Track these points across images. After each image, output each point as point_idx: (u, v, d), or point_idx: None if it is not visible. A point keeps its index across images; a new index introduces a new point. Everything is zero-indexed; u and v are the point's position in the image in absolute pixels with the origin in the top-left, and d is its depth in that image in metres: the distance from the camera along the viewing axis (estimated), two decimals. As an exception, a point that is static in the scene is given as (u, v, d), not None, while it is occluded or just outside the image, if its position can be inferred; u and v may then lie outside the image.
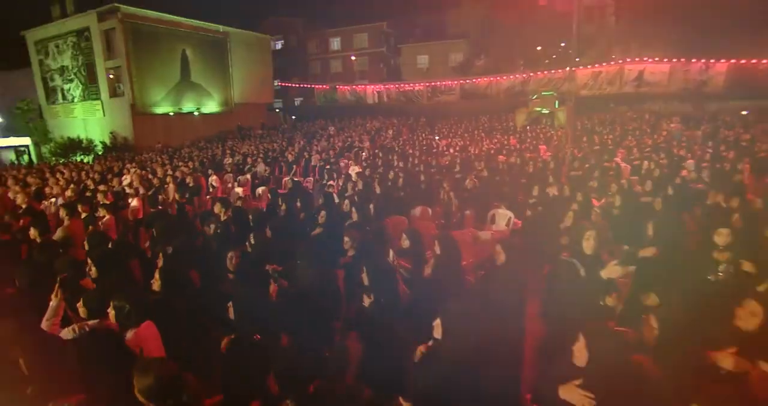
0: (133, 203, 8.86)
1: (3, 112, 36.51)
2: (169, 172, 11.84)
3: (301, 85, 39.91)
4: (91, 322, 2.78)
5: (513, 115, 24.27)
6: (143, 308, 2.76)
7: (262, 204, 11.97)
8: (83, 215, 6.53)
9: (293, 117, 36.55)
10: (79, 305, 2.87)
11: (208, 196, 10.44)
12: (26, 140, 30.41)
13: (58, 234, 5.56)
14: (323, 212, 5.80)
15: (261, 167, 14.75)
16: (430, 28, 42.87)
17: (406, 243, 4.35)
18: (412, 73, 38.16)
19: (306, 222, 6.39)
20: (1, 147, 30.38)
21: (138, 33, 26.37)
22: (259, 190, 12.07)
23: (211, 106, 30.97)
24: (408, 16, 46.55)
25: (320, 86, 36.34)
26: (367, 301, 2.83)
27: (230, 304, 2.80)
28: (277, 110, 40.43)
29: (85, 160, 24.86)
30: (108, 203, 7.86)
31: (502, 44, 29.99)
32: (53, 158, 27.18)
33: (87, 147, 27.16)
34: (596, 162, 11.29)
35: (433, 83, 30.33)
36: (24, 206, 7.63)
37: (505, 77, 27.38)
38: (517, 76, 26.99)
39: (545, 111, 22.51)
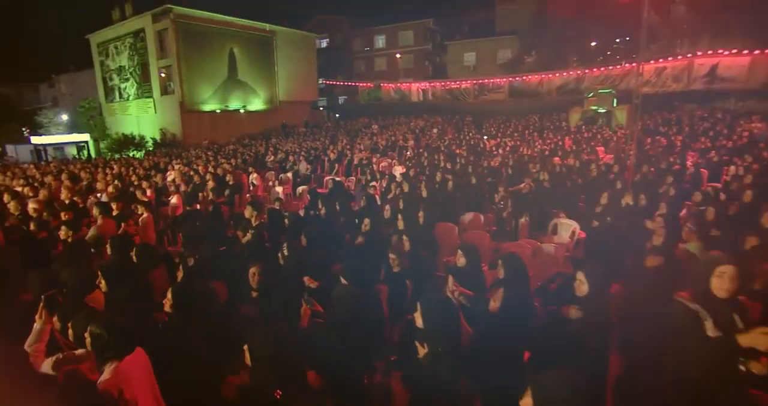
0: (173, 200, 8.70)
1: (69, 111, 38.80)
2: (211, 169, 11.69)
3: (345, 83, 39.77)
4: (79, 352, 2.33)
5: (565, 115, 22.88)
6: (126, 339, 2.24)
7: (303, 203, 11.66)
8: (116, 213, 6.32)
9: (337, 115, 36.44)
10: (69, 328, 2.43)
11: (248, 195, 10.20)
12: (86, 136, 31.97)
13: (90, 234, 5.31)
14: (367, 220, 5.23)
15: (303, 166, 14.47)
16: (478, 24, 41.63)
17: (461, 261, 3.70)
18: (458, 70, 37.08)
19: (346, 226, 5.87)
20: (65, 143, 32.10)
21: (188, 32, 27.00)
22: (300, 189, 11.73)
23: (256, 104, 31.35)
24: (455, 13, 45.62)
25: (364, 84, 36.02)
26: (421, 351, 2.22)
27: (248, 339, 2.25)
28: (321, 108, 40.53)
29: (137, 156, 25.74)
30: (146, 200, 7.67)
31: (554, 40, 28.40)
32: (109, 153, 28.39)
33: (139, 143, 28.14)
34: (666, 166, 10.12)
35: (480, 81, 29.23)
36: (67, 202, 7.55)
37: (557, 74, 25.91)
38: (570, 72, 25.45)
39: (602, 110, 21.00)
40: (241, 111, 30.34)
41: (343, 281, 3.20)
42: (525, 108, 26.72)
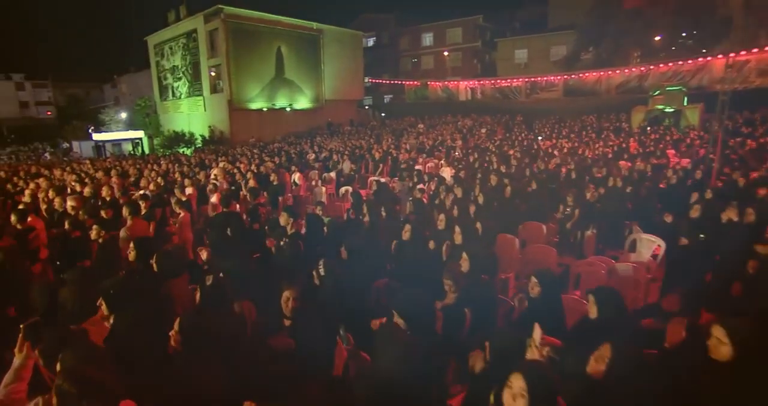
0: (213, 198, 8.42)
1: (128, 109, 40.71)
2: (252, 167, 11.42)
3: (392, 82, 39.21)
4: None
5: (625, 114, 21.20)
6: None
7: (346, 205, 11.18)
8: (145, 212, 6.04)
9: (383, 114, 35.96)
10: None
11: (289, 194, 9.82)
12: (140, 133, 33.27)
13: (121, 235, 4.99)
14: (408, 227, 4.58)
15: (347, 165, 14.01)
16: (530, 20, 39.90)
17: (535, 290, 2.98)
18: (509, 68, 35.63)
19: (391, 235, 5.24)
20: (122, 139, 33.57)
21: (237, 32, 27.37)
22: (343, 189, 11.24)
23: (302, 102, 31.43)
24: (505, 9, 44.02)
25: (411, 82, 35.33)
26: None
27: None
28: (367, 107, 40.24)
29: (186, 153, 26.37)
30: (184, 199, 7.39)
31: (616, 34, 26.47)
32: (161, 150, 29.34)
33: (189, 140, 28.88)
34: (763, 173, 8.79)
35: (532, 79, 27.79)
36: (108, 199, 7.40)
37: (618, 71, 24.10)
38: (633, 69, 23.59)
39: (669, 109, 19.22)
40: (288, 109, 30.49)
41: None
42: (581, 107, 25.11)
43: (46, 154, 36.27)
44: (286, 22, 30.12)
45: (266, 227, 4.96)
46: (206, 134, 28.45)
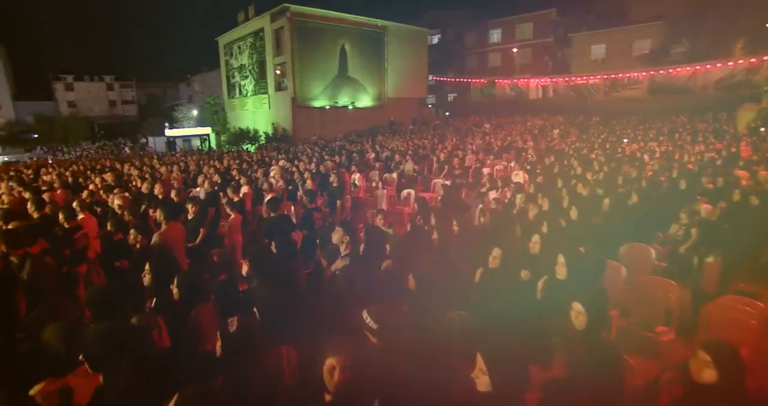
0: (268, 198, 7.88)
1: (199, 107, 42.62)
2: (312, 166, 10.84)
3: (457, 80, 37.85)
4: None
5: (727, 114, 18.58)
6: None
7: (407, 209, 10.32)
8: (191, 216, 5.50)
9: (446, 113, 34.75)
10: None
11: (348, 196, 9.11)
12: (207, 130, 34.49)
13: (153, 241, 4.44)
14: (498, 252, 3.60)
15: (409, 166, 13.13)
16: (609, 13, 36.81)
17: (706, 374, 1.90)
18: (584, 65, 33.02)
19: (466, 253, 4.28)
20: (191, 135, 35.00)
21: (303, 30, 27.40)
22: (405, 192, 10.37)
23: (365, 101, 31.01)
24: (581, 2, 41.00)
25: (477, 80, 33.82)
26: None
27: None
28: (430, 106, 39.18)
29: (250, 149, 26.79)
30: (236, 199, 6.86)
31: (714, 24, 23.46)
32: (227, 146, 30.14)
33: (253, 137, 29.39)
34: None
35: (612, 76, 25.40)
36: (160, 197, 7.03)
37: (719, 65, 21.28)
38: (740, 61, 20.70)
39: (787, 108, 16.53)
40: (350, 107, 30.19)
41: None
42: (669, 107, 22.50)
43: (126, 149, 38.78)
44: (351, 19, 29.81)
45: (317, 240, 4.18)
46: (270, 131, 28.81)
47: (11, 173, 14.14)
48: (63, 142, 43.70)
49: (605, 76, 26.13)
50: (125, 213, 5.25)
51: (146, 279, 2.95)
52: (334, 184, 8.52)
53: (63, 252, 4.82)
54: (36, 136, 46.16)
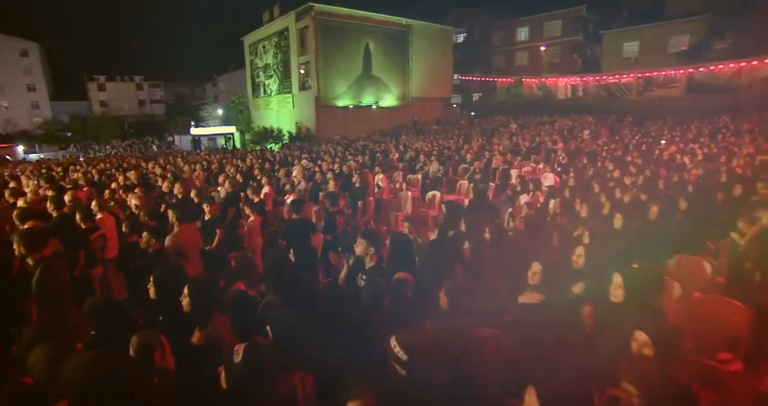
0: (289, 200, 7.65)
1: (224, 106, 43.14)
2: (335, 166, 10.59)
3: (483, 79, 37.13)
4: None
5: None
6: None
7: (432, 212, 9.96)
8: (208, 217, 5.30)
9: (472, 113, 34.12)
10: None
11: (371, 198, 8.82)
12: (232, 129, 34.81)
13: (166, 243, 4.23)
14: (537, 267, 3.24)
15: (434, 166, 12.75)
16: (642, 9, 35.46)
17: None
18: (616, 63, 31.84)
19: (502, 267, 3.90)
20: (216, 134, 35.40)
21: (327, 29, 27.30)
22: (430, 194, 10.00)
23: (388, 100, 30.72)
24: (614, -1, 39.67)
25: (503, 79, 33.07)
26: None
27: None
28: (455, 105, 38.61)
29: (274, 148, 26.85)
30: (256, 200, 6.65)
31: (764, 16, 22.02)
32: (251, 145, 30.34)
33: (276, 136, 29.48)
34: None
35: (647, 74, 24.35)
36: (180, 196, 6.88)
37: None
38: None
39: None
40: (374, 107, 29.95)
41: None
42: (709, 106, 21.36)
43: (154, 147, 39.57)
44: (375, 18, 29.58)
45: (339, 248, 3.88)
46: (293, 131, 28.82)
47: (42, 171, 14.42)
48: (95, 141, 44.94)
49: (639, 75, 25.09)
50: (141, 214, 5.07)
51: (151, 291, 2.71)
52: (357, 185, 8.24)
53: (78, 254, 4.68)
54: (70, 134, 47.62)
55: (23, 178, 9.96)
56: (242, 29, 37.81)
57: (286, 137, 28.95)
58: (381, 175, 9.83)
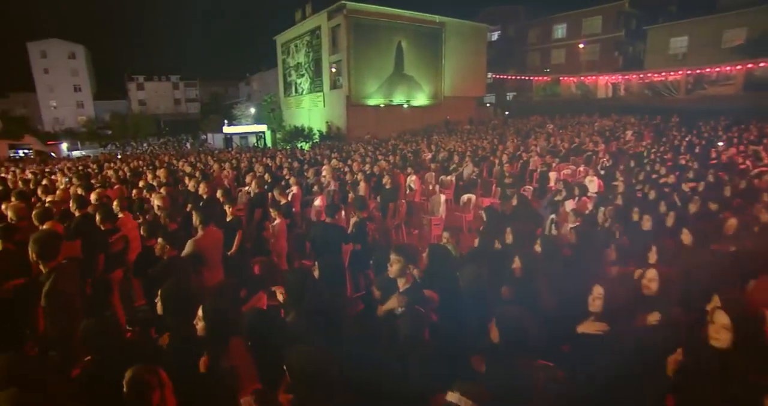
0: (317, 201, 7.30)
1: (256, 105, 43.66)
2: (366, 167, 10.21)
3: (518, 78, 36.06)
4: None
5: None
6: None
7: (467, 216, 9.44)
8: (230, 218, 4.99)
9: (506, 112, 33.15)
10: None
11: (403, 200, 8.39)
12: (263, 127, 35.06)
13: (186, 250, 3.93)
14: (599, 291, 2.74)
15: (468, 168, 12.20)
16: (691, 2, 33.53)
17: None
18: (661, 60, 30.19)
19: (557, 284, 3.40)
20: (248, 133, 35.76)
21: (359, 27, 27.03)
22: (465, 197, 9.49)
23: (420, 99, 30.19)
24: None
25: (540, 78, 31.96)
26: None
27: None
28: (488, 105, 37.68)
29: (304, 147, 26.78)
30: (283, 202, 6.33)
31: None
32: (282, 144, 30.43)
33: (307, 135, 29.45)
34: None
35: (698, 70, 22.88)
36: (205, 197, 6.65)
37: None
38: None
39: None
40: (405, 106, 29.50)
41: None
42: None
43: (188, 144, 40.42)
44: (408, 15, 29.08)
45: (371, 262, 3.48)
46: (324, 130, 28.71)
47: (79, 168, 14.70)
48: (133, 138, 46.42)
49: (689, 72, 23.59)
50: (162, 215, 4.82)
51: (158, 306, 2.38)
52: (388, 187, 7.82)
53: (98, 257, 4.47)
54: (110, 132, 49.38)
55: (58, 175, 10.06)
56: (275, 29, 38.12)
57: (316, 136, 28.87)
58: (413, 177, 9.38)
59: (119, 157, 25.69)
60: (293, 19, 33.44)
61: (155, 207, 5.35)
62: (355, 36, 26.89)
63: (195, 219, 4.15)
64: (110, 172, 11.18)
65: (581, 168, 13.86)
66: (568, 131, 21.42)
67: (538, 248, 3.99)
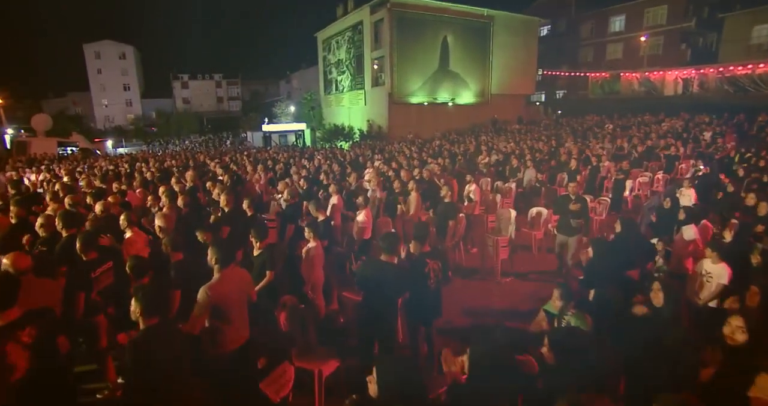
0: (360, 216, 6.03)
1: (297, 103, 43.22)
2: (416, 172, 8.87)
3: (571, 74, 33.61)
4: None
5: None
6: None
7: (537, 234, 7.93)
8: (257, 252, 3.80)
9: (559, 111, 30.86)
10: None
11: (462, 215, 7.00)
12: (302, 126, 34.34)
13: (199, 302, 2.75)
14: None
15: (530, 173, 10.65)
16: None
17: None
18: (738, 51, 26.93)
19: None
20: (288, 131, 35.16)
21: (403, 21, 25.72)
22: (534, 211, 7.95)
23: (465, 97, 28.51)
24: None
25: (597, 74, 29.49)
26: None
27: None
28: (537, 104, 35.44)
29: (344, 146, 25.79)
30: (320, 218, 5.11)
31: None
32: (321, 143, 29.58)
33: (347, 134, 28.45)
34: None
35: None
36: (227, 209, 5.54)
37: None
38: None
39: None
40: (450, 104, 27.90)
41: None
42: None
43: (228, 142, 40.44)
44: (455, 9, 27.44)
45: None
46: (364, 128, 27.58)
47: (110, 167, 14.18)
48: (177, 136, 47.17)
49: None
50: (164, 242, 3.68)
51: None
52: (446, 200, 6.46)
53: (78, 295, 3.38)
54: (155, 129, 50.45)
55: (83, 177, 9.31)
56: (316, 25, 37.41)
57: (356, 135, 27.82)
58: (472, 186, 7.94)
59: (159, 154, 25.61)
60: (334, 14, 32.55)
61: (157, 228, 4.24)
62: (399, 31, 25.58)
63: (210, 257, 2.97)
64: (138, 173, 10.40)
65: (659, 175, 12.02)
66: (634, 132, 19.24)
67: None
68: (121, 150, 36.91)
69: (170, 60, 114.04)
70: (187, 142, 43.16)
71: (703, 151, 14.59)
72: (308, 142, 33.37)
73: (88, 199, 5.99)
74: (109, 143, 40.10)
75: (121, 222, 4.49)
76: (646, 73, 26.27)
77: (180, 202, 6.04)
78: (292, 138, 33.94)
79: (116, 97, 58.96)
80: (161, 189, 6.64)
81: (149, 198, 6.23)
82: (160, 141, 44.42)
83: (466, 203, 7.69)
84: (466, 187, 7.94)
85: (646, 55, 33.26)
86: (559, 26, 41.28)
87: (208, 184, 6.72)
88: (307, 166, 11.62)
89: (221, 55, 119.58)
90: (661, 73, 25.40)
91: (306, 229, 4.43)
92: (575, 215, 6.05)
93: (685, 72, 23.90)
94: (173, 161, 13.65)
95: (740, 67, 21.41)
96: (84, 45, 57.50)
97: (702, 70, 23.16)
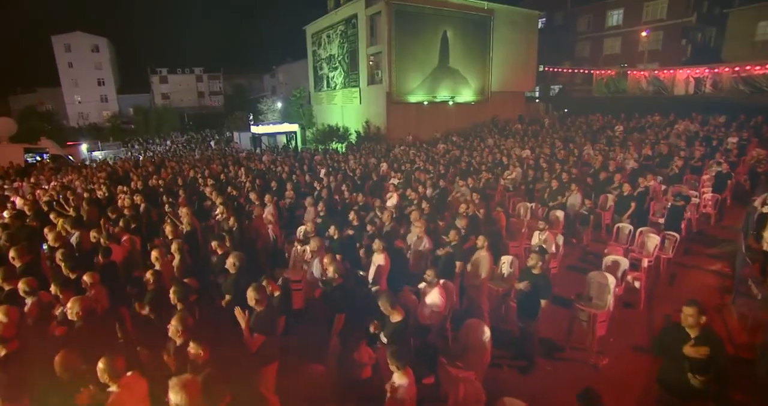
0: (433, 295, 4.57)
1: (284, 99, 41.21)
2: (432, 192, 7.52)
3: (573, 70, 32.59)
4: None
5: None
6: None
7: (619, 290, 6.68)
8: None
9: (565, 109, 29.72)
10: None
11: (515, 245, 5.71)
12: (295, 127, 32.49)
13: None
14: None
15: (575, 198, 9.35)
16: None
17: None
18: (742, 49, 26.33)
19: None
20: (278, 132, 33.21)
21: (401, 15, 24.18)
22: (609, 260, 6.71)
23: (465, 95, 27.17)
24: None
25: (601, 71, 28.45)
26: None
27: None
28: (537, 101, 34.36)
29: (339, 149, 24.29)
30: (394, 319, 3.75)
31: None
32: (313, 144, 27.92)
33: (342, 135, 26.92)
34: None
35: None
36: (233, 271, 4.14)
37: None
38: None
39: None
40: (450, 103, 26.54)
41: None
42: None
43: (212, 143, 38.33)
44: (455, 2, 25.91)
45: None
46: (361, 129, 26.02)
47: (88, 187, 12.47)
48: (156, 133, 44.72)
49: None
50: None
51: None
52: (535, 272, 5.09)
53: None
54: (133, 127, 47.86)
55: (53, 216, 7.65)
56: (303, 16, 35.48)
57: (353, 136, 26.27)
58: (527, 205, 6.62)
59: (140, 159, 23.65)
60: (325, 6, 30.69)
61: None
62: (397, 25, 24.02)
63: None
64: (124, 202, 8.79)
65: (708, 195, 10.89)
66: (649, 136, 18.20)
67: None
68: (96, 154, 34.48)
69: (147, 53, 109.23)
70: (168, 142, 40.85)
71: (734, 160, 13.57)
72: (299, 144, 31.63)
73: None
74: (84, 147, 37.47)
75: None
76: (655, 72, 25.30)
77: (176, 262, 4.69)
78: (282, 139, 32.11)
79: (90, 92, 55.87)
80: (152, 247, 5.21)
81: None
82: (139, 140, 41.94)
83: (505, 276, 6.16)
84: (518, 209, 6.61)
85: (646, 50, 32.45)
86: (555, 20, 40.25)
87: (214, 243, 5.14)
88: (318, 189, 10.12)
89: (201, 48, 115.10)
90: (670, 71, 24.45)
91: (389, 357, 3.04)
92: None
93: (698, 71, 22.95)
94: (159, 181, 12.01)
95: (757, 67, 20.54)
96: (53, 37, 54.11)
97: (714, 69, 22.25)
